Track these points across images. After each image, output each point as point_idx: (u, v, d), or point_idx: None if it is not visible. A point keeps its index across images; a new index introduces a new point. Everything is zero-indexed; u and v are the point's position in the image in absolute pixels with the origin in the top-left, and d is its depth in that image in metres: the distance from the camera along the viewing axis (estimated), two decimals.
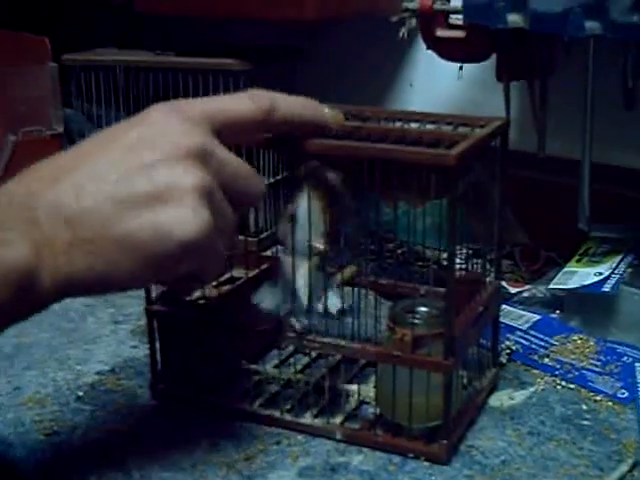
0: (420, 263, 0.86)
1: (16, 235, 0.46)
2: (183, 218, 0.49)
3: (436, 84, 1.03)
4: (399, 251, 0.91)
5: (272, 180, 0.97)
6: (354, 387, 0.67)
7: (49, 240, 0.47)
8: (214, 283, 0.68)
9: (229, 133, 0.54)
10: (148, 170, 0.49)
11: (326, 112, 0.60)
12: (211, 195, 0.51)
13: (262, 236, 0.97)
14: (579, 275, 0.80)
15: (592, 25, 0.70)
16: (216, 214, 0.51)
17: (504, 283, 0.87)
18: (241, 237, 0.71)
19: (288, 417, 0.64)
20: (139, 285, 0.54)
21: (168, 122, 0.51)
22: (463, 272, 0.70)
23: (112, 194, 0.48)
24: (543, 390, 0.70)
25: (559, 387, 0.70)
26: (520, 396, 0.69)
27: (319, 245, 0.61)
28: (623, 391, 0.69)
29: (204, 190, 0.50)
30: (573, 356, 0.74)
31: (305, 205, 0.60)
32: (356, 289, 0.73)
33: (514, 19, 0.75)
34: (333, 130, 0.60)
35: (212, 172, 0.51)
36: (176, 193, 0.49)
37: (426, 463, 0.59)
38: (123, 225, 0.48)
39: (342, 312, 0.63)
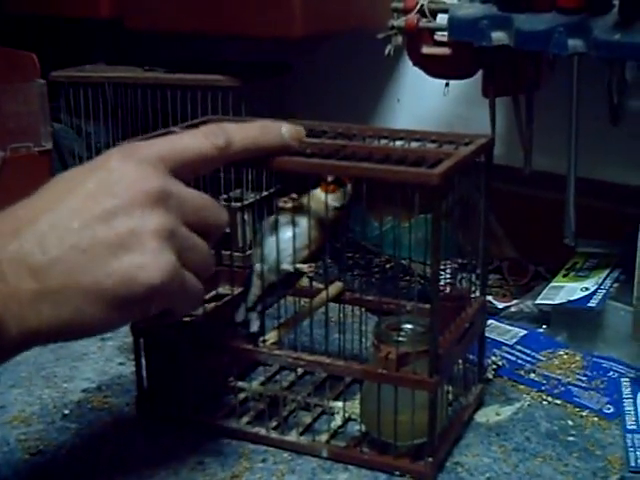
0: (407, 278, 0.86)
1: None
2: (147, 263, 0.50)
3: (423, 100, 1.03)
4: (387, 266, 0.91)
5: (258, 196, 0.97)
6: (340, 404, 0.67)
7: (15, 291, 0.47)
8: None
9: (185, 171, 0.55)
10: (109, 217, 0.50)
11: (284, 132, 0.59)
12: (174, 235, 0.52)
13: (248, 252, 0.97)
14: (565, 290, 0.81)
15: (575, 43, 0.71)
16: (184, 250, 0.52)
17: (491, 298, 0.87)
18: (227, 252, 0.71)
19: (274, 434, 0.64)
20: (109, 330, 0.54)
21: (125, 168, 0.52)
22: (449, 287, 0.70)
23: (76, 243, 0.49)
24: (529, 406, 0.70)
25: (545, 403, 0.70)
26: (506, 412, 0.69)
27: (303, 267, 0.62)
28: (609, 406, 0.69)
29: (166, 232, 0.51)
30: (559, 371, 0.74)
31: (301, 225, 0.62)
32: (342, 305, 0.73)
33: (499, 36, 0.76)
34: (294, 148, 0.60)
35: (173, 211, 0.52)
36: (138, 239, 0.50)
37: None
38: (89, 274, 0.49)
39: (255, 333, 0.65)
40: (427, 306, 0.59)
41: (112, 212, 0.50)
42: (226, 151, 0.56)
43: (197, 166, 0.56)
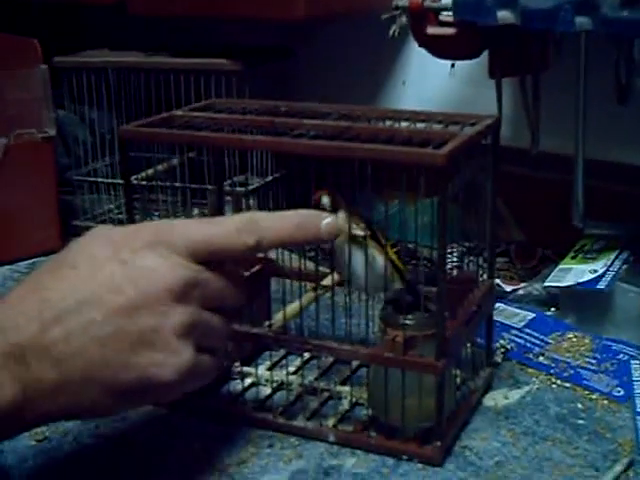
0: (414, 261, 0.86)
1: (6, 376, 0.48)
2: (165, 362, 0.51)
3: (429, 81, 1.02)
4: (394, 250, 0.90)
5: (263, 182, 0.97)
6: (347, 388, 0.66)
7: (36, 380, 0.49)
8: None
9: (211, 260, 0.55)
10: (132, 312, 0.50)
11: (323, 228, 0.57)
12: (195, 326, 0.53)
13: None
14: (574, 272, 0.80)
15: (582, 21, 0.70)
16: (202, 336, 0.53)
17: (499, 281, 0.87)
18: None
19: (281, 420, 0.64)
20: (122, 412, 0.56)
21: (153, 258, 0.52)
22: (457, 271, 0.69)
23: (99, 336, 0.50)
24: (538, 389, 0.69)
25: (554, 386, 0.70)
26: (515, 395, 0.68)
27: None
28: (619, 389, 0.68)
29: (187, 327, 0.52)
30: (568, 354, 0.74)
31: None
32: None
33: (504, 15, 0.74)
34: (327, 241, 0.59)
35: (196, 301, 0.53)
36: (159, 336, 0.51)
37: (420, 465, 0.59)
38: (108, 368, 0.50)
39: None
40: (434, 289, 0.59)
41: (136, 306, 0.50)
42: (255, 250, 0.56)
43: (224, 258, 0.56)
